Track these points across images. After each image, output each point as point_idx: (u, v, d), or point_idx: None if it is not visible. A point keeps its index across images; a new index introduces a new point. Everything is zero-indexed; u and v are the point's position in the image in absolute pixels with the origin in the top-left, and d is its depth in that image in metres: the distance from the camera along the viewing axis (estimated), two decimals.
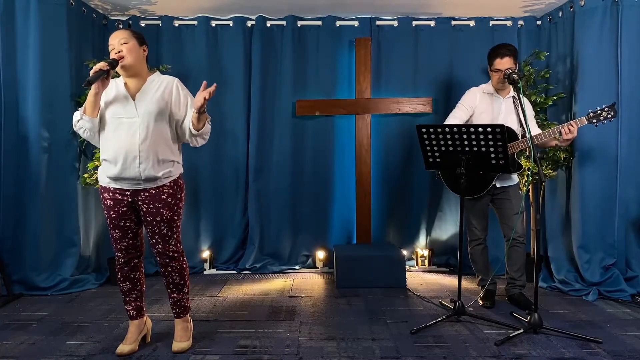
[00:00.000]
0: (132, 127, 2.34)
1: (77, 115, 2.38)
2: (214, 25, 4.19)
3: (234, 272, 4.22)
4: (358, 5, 3.99)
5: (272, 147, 4.26)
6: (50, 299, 3.39)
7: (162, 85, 2.43)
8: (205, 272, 4.19)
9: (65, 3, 3.56)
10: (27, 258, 3.45)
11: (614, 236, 3.45)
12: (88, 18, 3.89)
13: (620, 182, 3.43)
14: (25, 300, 3.37)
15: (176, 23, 4.17)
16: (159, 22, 4.16)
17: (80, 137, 3.70)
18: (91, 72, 2.24)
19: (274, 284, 3.87)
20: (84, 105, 2.35)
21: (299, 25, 4.22)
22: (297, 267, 4.32)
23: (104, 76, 2.27)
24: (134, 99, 2.37)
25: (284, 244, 4.31)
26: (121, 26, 4.15)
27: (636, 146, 3.46)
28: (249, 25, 4.22)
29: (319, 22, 4.23)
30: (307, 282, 3.93)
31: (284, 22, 4.20)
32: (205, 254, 4.24)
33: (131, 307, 2.56)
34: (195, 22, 4.17)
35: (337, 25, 4.23)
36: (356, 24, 4.23)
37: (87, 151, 3.82)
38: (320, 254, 4.29)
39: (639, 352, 2.51)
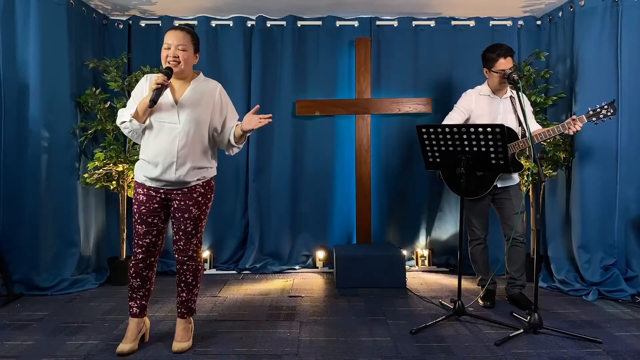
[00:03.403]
0: (172, 132, 2.38)
1: (125, 116, 2.41)
2: (214, 25, 4.19)
3: (234, 272, 4.22)
4: (358, 5, 3.99)
5: (272, 147, 4.26)
6: (50, 299, 3.39)
7: (206, 91, 2.48)
8: (205, 272, 4.19)
9: (65, 3, 3.56)
10: (27, 258, 3.44)
11: (614, 236, 3.45)
12: (88, 18, 3.89)
13: (620, 182, 3.43)
14: (25, 300, 3.37)
15: (176, 23, 4.16)
16: (159, 22, 4.16)
17: (81, 137, 3.72)
18: (151, 88, 2.28)
19: (274, 284, 3.87)
20: (135, 109, 2.36)
21: (299, 25, 4.22)
22: (297, 267, 4.32)
23: (164, 89, 2.32)
24: (177, 103, 2.40)
25: (284, 244, 4.31)
26: (121, 26, 4.15)
27: (636, 146, 3.45)
28: (249, 25, 4.22)
29: (319, 22, 4.23)
30: (307, 282, 3.93)
31: (284, 22, 4.20)
32: (205, 254, 4.24)
33: (135, 305, 2.56)
34: (195, 22, 4.17)
35: (337, 25, 4.23)
36: (356, 24, 4.23)
37: (87, 151, 3.82)
38: (320, 254, 4.29)
39: (639, 352, 2.51)
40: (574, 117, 2.95)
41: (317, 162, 4.29)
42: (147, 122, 2.40)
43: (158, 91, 2.28)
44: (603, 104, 2.90)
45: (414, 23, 4.21)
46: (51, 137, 3.50)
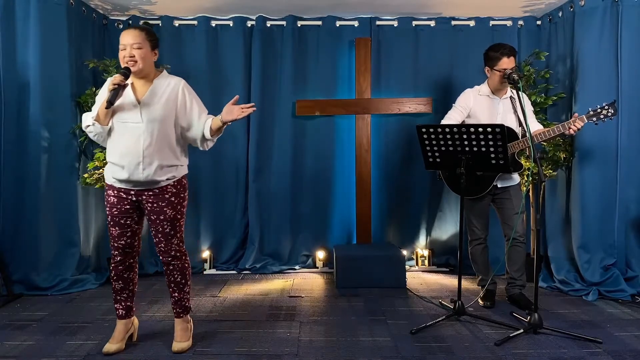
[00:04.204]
0: (136, 132, 2.35)
1: (88, 120, 2.39)
2: (214, 25, 4.19)
3: (234, 272, 4.22)
4: (358, 5, 3.99)
5: (272, 147, 4.26)
6: (50, 299, 3.39)
7: (168, 89, 2.43)
8: (205, 272, 4.19)
9: (65, 3, 3.56)
10: (27, 258, 3.45)
11: (614, 236, 3.45)
12: (88, 18, 3.89)
13: (620, 182, 3.43)
14: (25, 300, 3.37)
15: (176, 23, 4.17)
16: (159, 22, 4.16)
17: (81, 137, 3.72)
18: (108, 89, 2.25)
19: (274, 284, 3.87)
20: (96, 112, 2.34)
21: (299, 25, 4.22)
22: (297, 267, 4.32)
23: (122, 90, 2.29)
24: (139, 103, 2.37)
25: (284, 244, 4.31)
26: (121, 26, 4.15)
27: (636, 146, 3.45)
28: (249, 25, 4.22)
29: (319, 22, 4.23)
30: (307, 282, 3.93)
31: (284, 22, 4.20)
32: (205, 254, 4.24)
33: (121, 307, 2.56)
34: (195, 22, 4.17)
35: (337, 25, 4.23)
36: (356, 24, 4.23)
37: (87, 151, 3.82)
38: (320, 254, 4.29)
39: (639, 352, 2.51)
40: (575, 114, 2.95)
41: (317, 162, 4.28)
42: (110, 124, 2.37)
43: (115, 92, 2.25)
44: (604, 104, 2.90)
45: (414, 23, 4.21)
46: (51, 137, 3.50)
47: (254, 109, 2.45)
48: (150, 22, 4.16)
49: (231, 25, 4.19)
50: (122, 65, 2.35)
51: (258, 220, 4.26)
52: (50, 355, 2.49)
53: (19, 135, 3.43)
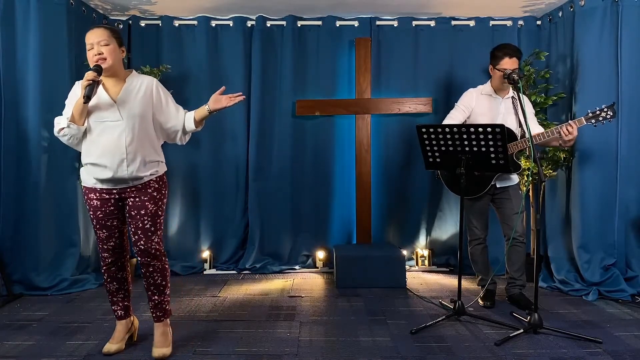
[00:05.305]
0: (117, 129, 2.33)
1: (62, 122, 2.33)
2: (214, 25, 4.19)
3: (234, 272, 4.22)
4: (358, 5, 3.99)
5: (272, 147, 4.26)
6: (50, 299, 3.39)
7: (142, 86, 2.43)
8: (205, 272, 4.19)
9: (65, 3, 3.56)
10: (27, 258, 3.45)
11: (614, 236, 3.45)
12: (88, 18, 3.89)
13: (620, 182, 3.43)
14: (25, 300, 3.37)
15: (176, 23, 4.17)
16: (159, 22, 4.16)
17: None
18: (83, 86, 2.22)
19: (274, 284, 3.87)
20: (71, 113, 2.31)
21: (299, 25, 4.22)
22: (297, 267, 4.32)
23: (97, 86, 2.27)
24: (115, 102, 2.35)
25: (284, 244, 4.31)
26: (121, 26, 4.15)
27: (636, 146, 3.46)
28: (249, 25, 4.22)
29: (319, 22, 4.23)
30: (307, 282, 3.93)
31: (284, 22, 4.20)
32: (205, 254, 4.24)
33: (119, 307, 2.56)
34: (195, 22, 4.17)
35: (337, 25, 4.23)
36: (356, 24, 4.23)
37: None
38: (320, 254, 4.29)
39: (639, 352, 2.51)
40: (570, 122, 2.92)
41: (317, 162, 4.29)
42: (86, 124, 2.34)
43: (90, 87, 2.22)
44: (603, 107, 2.88)
45: (414, 23, 4.21)
46: (51, 137, 3.48)
47: (243, 97, 2.48)
48: (150, 22, 4.17)
49: (231, 25, 4.19)
50: (92, 65, 2.32)
51: (258, 220, 4.26)
52: (50, 355, 2.49)
53: (18, 135, 3.43)
